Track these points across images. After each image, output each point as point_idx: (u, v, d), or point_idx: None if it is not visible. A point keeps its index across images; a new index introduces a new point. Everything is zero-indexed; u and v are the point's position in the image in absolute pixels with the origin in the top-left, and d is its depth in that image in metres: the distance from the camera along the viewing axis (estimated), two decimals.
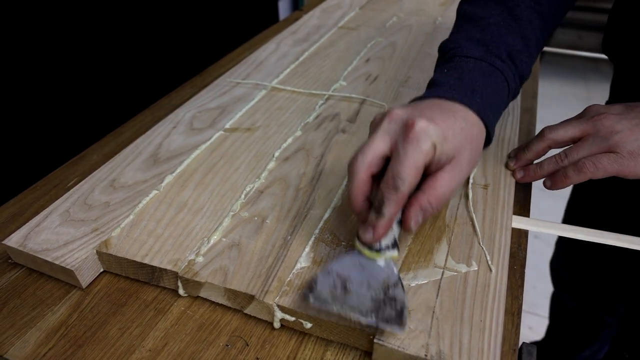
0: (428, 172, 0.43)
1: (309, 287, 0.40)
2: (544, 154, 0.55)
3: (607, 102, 0.78)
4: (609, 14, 0.70)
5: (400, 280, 0.40)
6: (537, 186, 0.56)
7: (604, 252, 0.88)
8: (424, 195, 0.42)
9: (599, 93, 2.92)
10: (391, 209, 0.40)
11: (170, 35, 1.01)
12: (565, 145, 0.54)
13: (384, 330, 0.38)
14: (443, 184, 0.42)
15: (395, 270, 0.41)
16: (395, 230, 0.42)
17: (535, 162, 0.56)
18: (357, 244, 0.42)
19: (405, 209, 0.42)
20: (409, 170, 0.40)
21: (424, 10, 1.12)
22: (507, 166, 0.58)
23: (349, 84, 0.77)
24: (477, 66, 0.51)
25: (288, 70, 0.82)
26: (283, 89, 0.76)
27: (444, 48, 0.56)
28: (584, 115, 0.53)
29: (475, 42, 0.53)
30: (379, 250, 0.41)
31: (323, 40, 0.94)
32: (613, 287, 0.94)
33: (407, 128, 0.41)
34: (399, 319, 0.37)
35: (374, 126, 0.44)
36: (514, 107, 0.71)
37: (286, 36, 0.96)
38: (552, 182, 0.52)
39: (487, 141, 0.50)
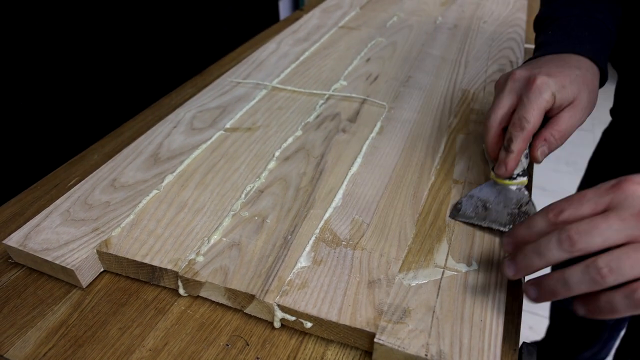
0: (550, 115, 0.50)
1: (456, 208, 0.51)
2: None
3: (611, 109, 0.78)
4: None
5: (532, 200, 0.50)
6: (538, 186, 0.56)
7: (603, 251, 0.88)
8: (547, 130, 0.49)
9: (602, 94, 2.91)
10: (518, 146, 0.48)
11: (171, 34, 1.01)
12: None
13: None
14: (564, 120, 0.49)
15: (526, 193, 0.51)
16: (523, 162, 0.50)
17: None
18: (493, 175, 0.52)
19: (532, 143, 0.50)
20: (533, 112, 0.47)
21: (424, 10, 1.12)
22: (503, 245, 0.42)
23: (350, 83, 0.77)
24: (580, 21, 0.56)
25: (288, 69, 0.82)
26: (283, 88, 0.76)
27: (541, 16, 0.62)
28: (606, 184, 0.37)
29: (571, 4, 0.59)
30: (511, 178, 0.51)
31: (323, 40, 0.94)
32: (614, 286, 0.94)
33: (529, 83, 0.48)
34: None
35: (500, 87, 0.52)
36: None
37: (287, 36, 0.96)
38: (588, 310, 0.36)
39: (603, 80, 0.54)
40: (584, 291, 0.35)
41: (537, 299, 0.38)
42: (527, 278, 0.40)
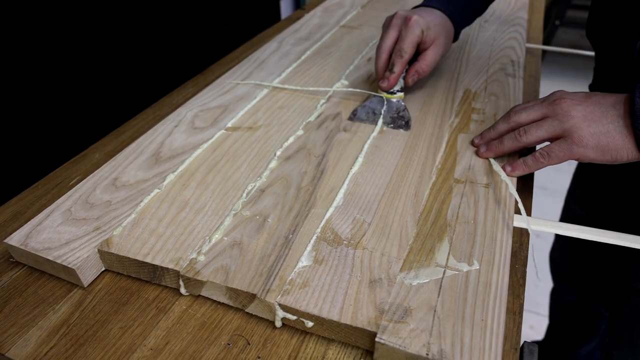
0: (420, 50, 0.69)
1: (353, 113, 0.68)
2: (506, 134, 0.59)
3: (590, 85, 0.81)
4: (591, 2, 0.73)
5: (406, 108, 0.68)
6: (538, 185, 0.56)
7: (599, 243, 0.89)
8: (418, 63, 0.69)
9: (582, 72, 2.91)
10: (398, 68, 0.67)
11: (173, 34, 1.01)
12: None
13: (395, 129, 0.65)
14: (429, 56, 0.69)
15: (402, 103, 0.68)
16: (401, 82, 0.69)
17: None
18: (379, 91, 0.69)
19: (407, 71, 0.70)
20: (408, 44, 0.66)
21: None
22: (472, 143, 0.63)
23: (351, 83, 0.77)
24: None
25: (290, 69, 0.82)
26: (284, 88, 0.76)
27: None
28: (547, 99, 0.57)
29: None
30: (393, 93, 0.69)
31: (325, 39, 0.94)
32: (609, 279, 0.94)
33: (406, 20, 0.67)
34: (407, 126, 0.66)
35: (387, 23, 0.70)
36: None
37: (288, 35, 0.96)
38: (513, 168, 0.57)
39: (455, 37, 0.76)
40: (510, 147, 0.57)
41: (483, 153, 0.60)
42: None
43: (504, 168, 0.57)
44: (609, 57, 0.71)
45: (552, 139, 0.54)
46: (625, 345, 0.88)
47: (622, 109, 0.51)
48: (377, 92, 0.70)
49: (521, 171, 0.56)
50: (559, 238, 1.07)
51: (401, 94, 0.69)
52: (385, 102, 0.69)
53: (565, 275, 1.08)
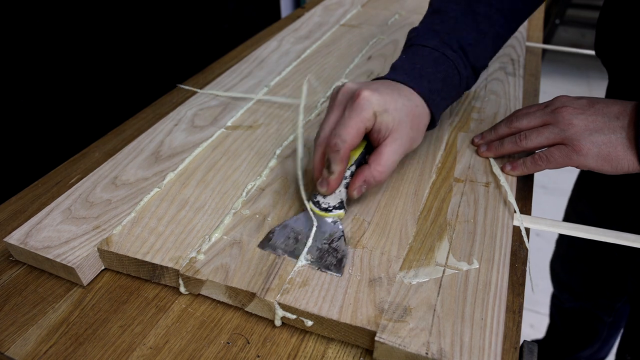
0: (374, 144, 0.50)
1: (267, 238, 0.47)
2: (507, 137, 0.58)
3: None
4: (598, 17, 0.69)
5: (344, 235, 0.47)
6: (539, 184, 0.56)
7: (603, 253, 0.88)
8: (369, 169, 0.48)
9: (601, 91, 2.91)
10: (337, 167, 0.46)
11: (173, 32, 1.01)
12: None
13: (327, 273, 0.44)
14: (385, 155, 0.48)
15: (341, 227, 0.48)
16: (342, 193, 0.49)
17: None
18: (311, 205, 0.49)
19: (352, 180, 0.48)
20: (349, 131, 0.46)
21: (425, 8, 1.11)
22: (472, 141, 0.62)
23: (351, 81, 0.77)
24: (431, 54, 0.56)
25: (290, 67, 0.82)
26: (267, 100, 0.76)
27: (409, 35, 0.62)
28: (550, 106, 0.56)
29: (432, 32, 0.58)
30: (327, 210, 0.48)
31: (325, 37, 0.94)
32: (611, 287, 0.94)
33: (353, 97, 0.48)
34: (338, 266, 0.44)
35: (331, 100, 0.51)
36: (516, 106, 0.71)
37: (288, 34, 0.96)
38: (512, 167, 0.57)
39: (432, 124, 0.56)
40: (509, 150, 0.57)
41: (483, 153, 0.59)
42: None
43: (504, 166, 0.57)
44: (621, 75, 0.68)
45: (550, 146, 0.54)
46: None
47: (626, 120, 0.50)
48: (307, 203, 0.49)
49: (520, 171, 0.56)
50: (559, 248, 1.06)
51: (340, 212, 0.48)
52: (315, 224, 0.48)
53: (566, 286, 1.07)
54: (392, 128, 0.48)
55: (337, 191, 0.48)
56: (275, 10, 1.49)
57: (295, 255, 0.45)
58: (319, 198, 0.48)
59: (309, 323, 0.41)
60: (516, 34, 0.95)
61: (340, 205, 0.48)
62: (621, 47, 0.63)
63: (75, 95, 0.81)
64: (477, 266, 0.45)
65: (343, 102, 0.49)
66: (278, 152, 0.60)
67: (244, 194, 0.54)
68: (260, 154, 0.60)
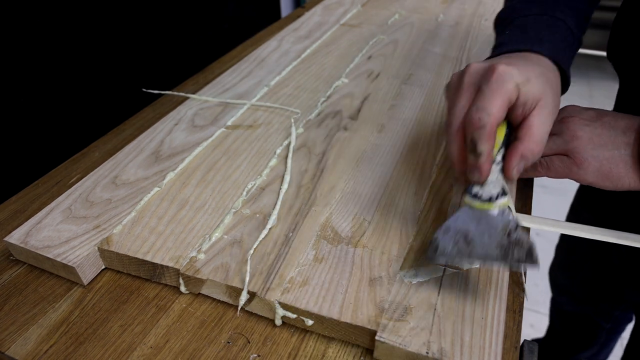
0: (517, 121, 0.43)
1: (433, 248, 0.41)
2: None
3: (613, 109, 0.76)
4: (614, 20, 0.68)
5: (519, 224, 0.40)
6: (539, 184, 0.56)
7: (603, 258, 0.88)
8: (521, 144, 0.42)
9: (601, 91, 2.91)
10: (485, 146, 0.40)
11: (173, 32, 1.01)
12: None
13: (518, 270, 0.42)
14: (538, 127, 0.42)
15: (511, 216, 0.41)
16: (501, 179, 0.42)
17: None
18: (467, 199, 0.42)
19: (506, 159, 0.42)
20: (494, 102, 0.40)
21: (425, 7, 1.11)
22: None
23: (351, 81, 0.77)
24: (539, 20, 0.52)
25: (290, 67, 0.82)
26: (261, 105, 0.76)
27: (500, 16, 0.58)
28: (559, 114, 0.52)
29: (530, 3, 0.55)
30: (489, 200, 0.41)
31: (325, 37, 0.94)
32: (610, 294, 0.94)
33: (489, 72, 0.42)
34: (530, 257, 0.38)
35: (455, 85, 0.45)
36: None
37: (288, 33, 0.96)
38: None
39: (565, 86, 0.51)
40: None
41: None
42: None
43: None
44: (634, 80, 0.66)
45: (554, 154, 0.51)
46: None
47: (632, 136, 0.48)
48: (462, 199, 0.43)
49: (517, 173, 0.53)
50: (558, 254, 1.05)
51: (504, 200, 0.42)
52: (481, 219, 0.41)
53: (566, 291, 1.07)
54: (538, 97, 0.43)
55: (494, 178, 0.42)
56: (275, 10, 1.49)
57: (475, 257, 0.40)
58: (476, 189, 0.42)
59: (310, 322, 0.41)
60: None
61: (504, 192, 0.42)
62: (636, 51, 0.61)
63: (75, 95, 0.81)
64: (478, 266, 0.45)
65: (474, 82, 0.43)
66: (278, 151, 0.60)
67: (245, 193, 0.54)
68: (260, 153, 0.60)
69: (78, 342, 0.41)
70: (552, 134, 0.51)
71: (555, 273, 1.07)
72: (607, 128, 0.49)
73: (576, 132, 0.50)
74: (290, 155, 0.59)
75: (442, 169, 0.58)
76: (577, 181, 0.50)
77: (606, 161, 0.48)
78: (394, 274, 0.44)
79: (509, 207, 0.42)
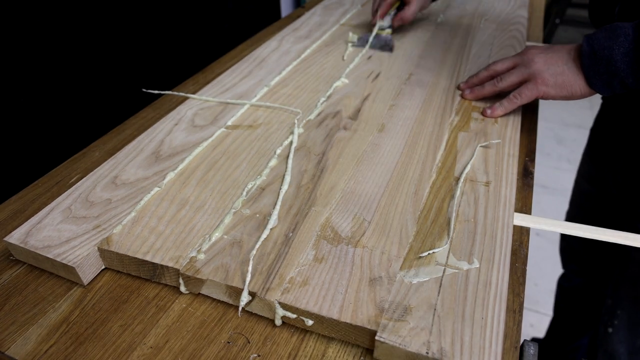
0: (405, 3, 0.94)
1: (354, 40, 0.92)
2: (487, 81, 0.72)
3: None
4: None
5: (392, 39, 0.90)
6: (539, 184, 0.56)
7: (612, 218, 0.90)
8: (402, 12, 0.93)
9: None
10: (382, 9, 0.92)
11: (173, 32, 1.01)
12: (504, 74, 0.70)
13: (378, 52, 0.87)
14: (410, 8, 0.93)
15: (390, 37, 0.91)
16: (389, 21, 0.93)
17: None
18: (374, 29, 0.91)
19: (394, 17, 0.94)
20: None
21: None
22: (458, 87, 0.76)
23: (351, 81, 0.77)
24: None
25: (290, 67, 0.82)
26: (260, 105, 0.76)
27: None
28: (520, 52, 0.70)
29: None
30: (382, 29, 0.92)
31: (325, 37, 0.94)
32: (614, 260, 0.95)
33: None
34: (391, 49, 0.88)
35: None
36: None
37: (288, 33, 0.96)
38: (492, 110, 0.68)
39: None
40: (489, 91, 0.71)
41: (468, 95, 0.73)
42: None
43: (484, 111, 0.69)
44: None
45: (521, 83, 0.67)
46: (631, 304, 0.89)
47: (574, 54, 0.64)
48: (375, 30, 0.92)
49: (500, 112, 0.67)
50: (569, 212, 1.11)
51: (389, 30, 0.93)
52: (378, 37, 0.90)
53: (573, 254, 1.12)
54: None
55: (387, 21, 0.93)
56: (276, 10, 1.49)
57: (370, 47, 0.89)
58: (380, 23, 0.92)
59: (310, 322, 0.41)
60: (516, 33, 0.95)
61: (389, 27, 0.93)
62: (599, 8, 0.76)
63: (75, 95, 0.81)
64: (478, 265, 0.45)
65: None
66: (278, 151, 0.60)
67: (244, 193, 0.54)
68: (260, 153, 0.60)
69: (78, 342, 0.41)
70: (517, 64, 0.68)
71: (565, 235, 1.11)
72: (556, 52, 0.66)
73: (534, 59, 0.66)
74: (291, 155, 0.59)
75: (442, 169, 0.58)
76: (543, 98, 0.66)
77: (560, 75, 0.64)
78: (394, 274, 0.44)
79: (390, 33, 0.92)
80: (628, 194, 0.82)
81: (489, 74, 0.71)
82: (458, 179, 0.56)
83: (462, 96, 0.73)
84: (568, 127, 2.51)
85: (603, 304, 1.05)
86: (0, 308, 0.44)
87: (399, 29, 0.99)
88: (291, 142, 0.62)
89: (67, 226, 0.49)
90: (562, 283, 1.21)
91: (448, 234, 0.48)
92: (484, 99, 0.72)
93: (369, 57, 0.85)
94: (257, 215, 0.51)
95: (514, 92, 0.67)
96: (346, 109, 0.70)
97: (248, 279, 0.43)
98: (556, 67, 0.64)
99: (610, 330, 0.91)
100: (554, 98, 0.65)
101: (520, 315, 0.44)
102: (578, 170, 1.04)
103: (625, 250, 0.86)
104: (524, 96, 0.66)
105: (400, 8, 0.94)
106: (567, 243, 1.13)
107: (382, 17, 0.91)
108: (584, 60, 0.61)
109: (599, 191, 0.94)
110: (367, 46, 0.88)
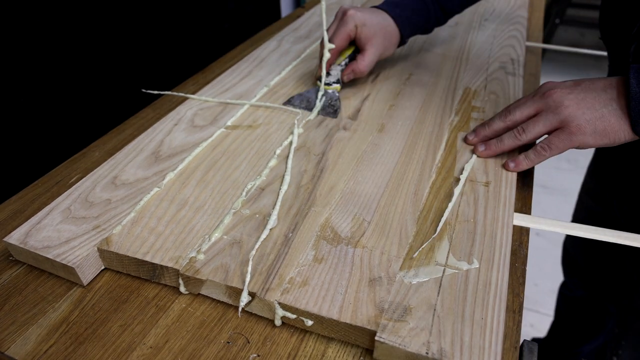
0: (359, 49, 0.73)
1: (288, 100, 0.71)
2: (503, 132, 0.59)
3: None
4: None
5: (339, 98, 0.71)
6: (539, 184, 0.56)
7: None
8: (355, 62, 0.72)
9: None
10: (329, 56, 0.71)
11: (173, 32, 1.01)
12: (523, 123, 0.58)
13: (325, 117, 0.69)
14: (366, 56, 0.71)
15: (337, 94, 0.71)
16: (339, 74, 0.73)
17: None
18: (318, 83, 0.73)
19: (345, 68, 0.73)
20: (338, 38, 0.71)
21: None
22: (465, 140, 0.63)
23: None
24: None
25: (290, 67, 0.82)
26: (260, 105, 0.76)
27: None
28: (538, 93, 0.57)
29: None
30: (328, 84, 0.72)
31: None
32: (621, 271, 0.94)
33: (343, 14, 0.71)
34: (335, 114, 0.68)
35: (334, 19, 0.74)
36: None
37: (288, 33, 0.96)
38: (516, 164, 0.57)
39: (402, 42, 0.77)
40: (510, 145, 0.58)
41: (482, 152, 0.59)
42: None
43: (506, 164, 0.58)
44: (617, 57, 0.69)
45: (550, 132, 0.55)
46: (635, 336, 0.88)
47: (614, 92, 0.53)
48: (316, 83, 0.76)
49: (525, 166, 0.57)
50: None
51: (337, 86, 0.73)
52: (322, 92, 0.72)
53: (576, 268, 1.08)
54: (370, 37, 0.71)
55: (335, 73, 0.73)
56: (275, 10, 1.49)
57: (309, 109, 0.69)
58: (326, 79, 0.72)
59: (309, 323, 0.41)
60: (516, 33, 0.95)
61: (337, 82, 0.72)
62: (614, 27, 0.65)
63: (75, 95, 0.81)
64: (477, 266, 0.45)
65: (338, 17, 0.73)
66: (278, 151, 0.60)
67: (244, 193, 0.54)
68: (260, 153, 0.60)
69: (78, 342, 0.41)
70: (540, 110, 0.56)
71: (568, 247, 1.08)
72: (589, 91, 0.54)
73: (563, 102, 0.54)
74: (291, 155, 0.59)
75: (441, 169, 0.58)
76: (579, 148, 0.54)
77: (599, 121, 0.52)
78: (394, 274, 0.44)
79: (337, 90, 0.72)
80: (630, 216, 0.77)
81: (506, 125, 0.59)
82: (458, 179, 0.56)
83: (474, 152, 0.60)
84: None
85: (605, 314, 1.04)
86: (0, 308, 0.44)
87: None
88: (291, 142, 0.62)
89: (67, 226, 0.49)
90: (563, 291, 1.17)
91: (448, 235, 0.48)
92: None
93: None
94: (257, 216, 0.51)
95: (541, 142, 0.56)
96: (346, 109, 0.70)
97: (248, 279, 0.43)
98: (593, 111, 0.52)
99: (614, 359, 0.90)
100: (592, 147, 0.54)
101: (520, 315, 0.44)
102: (582, 185, 1.00)
103: (633, 280, 0.84)
104: (555, 148, 0.54)
105: (353, 57, 0.74)
106: (571, 258, 1.09)
107: (328, 69, 0.73)
108: (634, 104, 0.50)
109: (603, 210, 0.88)
110: (315, 110, 0.69)
